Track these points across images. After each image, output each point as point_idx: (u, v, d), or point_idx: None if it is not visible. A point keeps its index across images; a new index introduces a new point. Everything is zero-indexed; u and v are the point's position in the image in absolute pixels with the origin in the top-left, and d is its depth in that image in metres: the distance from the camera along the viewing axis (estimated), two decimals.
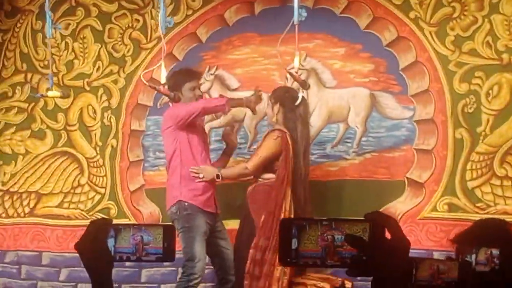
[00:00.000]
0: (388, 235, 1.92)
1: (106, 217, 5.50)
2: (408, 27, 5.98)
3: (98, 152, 6.83)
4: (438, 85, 5.87)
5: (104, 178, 6.80)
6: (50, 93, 5.74)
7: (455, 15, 5.87)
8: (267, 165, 5.47)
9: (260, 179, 5.54)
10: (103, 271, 2.17)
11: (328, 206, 5.95)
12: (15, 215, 7.01)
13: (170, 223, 5.41)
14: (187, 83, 5.66)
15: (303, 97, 5.49)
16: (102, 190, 6.80)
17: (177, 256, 2.22)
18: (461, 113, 5.80)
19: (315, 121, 6.05)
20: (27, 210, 6.98)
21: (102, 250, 2.16)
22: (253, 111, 5.71)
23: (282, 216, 5.22)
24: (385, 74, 6.01)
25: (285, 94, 5.54)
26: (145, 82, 5.62)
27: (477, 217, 5.46)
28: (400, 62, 5.98)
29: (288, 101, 5.49)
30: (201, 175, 5.59)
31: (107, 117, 6.83)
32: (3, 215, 7.05)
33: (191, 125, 5.64)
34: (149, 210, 6.60)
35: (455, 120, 5.80)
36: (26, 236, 6.91)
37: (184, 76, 5.75)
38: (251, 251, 5.29)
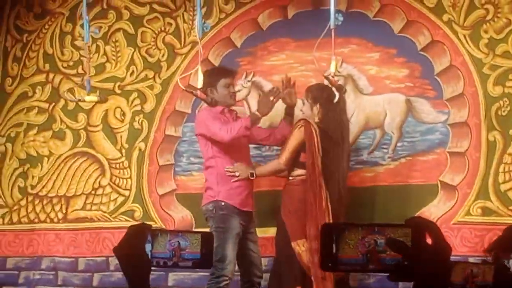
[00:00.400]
0: (429, 240, 2.04)
1: (145, 222, 6.10)
2: (442, 31, 6.57)
3: (124, 154, 7.43)
4: (472, 89, 6.44)
5: (129, 180, 7.39)
6: (87, 98, 6.21)
7: (488, 18, 6.45)
8: (296, 159, 6.06)
9: (290, 177, 6.17)
10: (141, 276, 2.28)
11: (363, 212, 6.49)
12: (48, 220, 7.61)
13: (208, 231, 5.95)
14: (222, 80, 6.19)
15: (340, 93, 6.07)
16: (126, 192, 7.39)
17: None
18: (494, 115, 6.36)
19: (352, 127, 6.57)
20: (60, 215, 7.57)
21: (140, 255, 2.30)
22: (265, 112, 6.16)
23: (317, 212, 5.85)
24: (420, 79, 6.60)
25: (323, 93, 6.12)
26: (182, 86, 6.16)
27: (511, 220, 6.07)
28: (435, 67, 6.57)
29: (327, 101, 6.08)
30: (237, 173, 6.18)
31: (138, 120, 7.42)
32: (36, 220, 7.65)
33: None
34: (181, 215, 7.19)
35: (488, 122, 6.35)
36: (62, 242, 7.51)
37: (219, 72, 6.33)
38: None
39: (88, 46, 7.37)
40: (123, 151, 7.43)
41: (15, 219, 7.69)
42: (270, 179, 6.59)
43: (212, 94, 6.17)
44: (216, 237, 5.89)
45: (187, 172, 7.21)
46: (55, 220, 7.56)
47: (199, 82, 5.71)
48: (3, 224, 7.72)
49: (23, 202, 7.71)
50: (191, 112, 7.16)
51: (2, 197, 7.80)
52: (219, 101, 6.22)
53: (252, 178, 6.19)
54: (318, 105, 6.05)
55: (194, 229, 6.85)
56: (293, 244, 6.00)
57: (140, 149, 7.37)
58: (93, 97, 6.26)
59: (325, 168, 5.97)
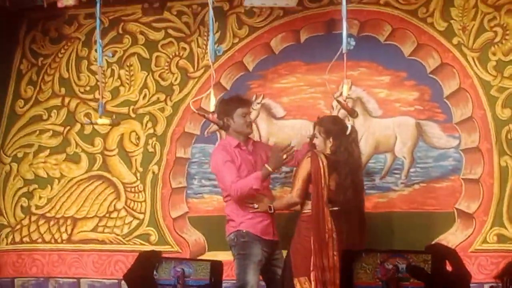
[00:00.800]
0: (449, 266, 2.08)
1: (156, 249, 6.15)
2: (451, 53, 6.70)
3: (139, 177, 7.57)
4: (481, 112, 6.54)
5: (143, 203, 7.51)
6: (99, 121, 6.35)
7: (496, 40, 6.58)
8: (307, 192, 6.14)
9: (302, 212, 6.23)
10: None
11: (379, 239, 6.49)
12: (53, 241, 7.73)
13: (218, 259, 6.06)
14: (239, 109, 6.35)
15: (352, 126, 6.16)
16: (141, 216, 7.51)
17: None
18: (505, 139, 6.45)
19: (362, 151, 6.59)
20: (65, 236, 7.69)
21: (150, 283, 2.38)
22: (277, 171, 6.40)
23: (321, 243, 5.92)
24: (430, 102, 6.70)
25: (335, 126, 6.18)
26: (194, 110, 6.23)
27: None
28: (444, 90, 6.68)
29: (339, 134, 6.11)
30: (255, 206, 6.30)
31: (152, 143, 7.56)
32: (39, 240, 7.77)
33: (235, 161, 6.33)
34: (194, 238, 7.30)
35: (499, 147, 6.43)
36: (64, 263, 7.63)
37: (236, 102, 6.44)
38: None
39: (103, 70, 7.60)
40: (138, 174, 7.58)
41: (17, 238, 7.80)
42: None
43: (228, 122, 6.31)
44: (238, 263, 6.23)
45: (198, 195, 7.33)
46: (59, 240, 7.70)
47: (211, 105, 5.77)
48: (7, 244, 7.86)
49: (25, 222, 7.80)
50: (200, 133, 7.34)
51: (5, 216, 7.92)
52: (235, 130, 6.37)
53: (271, 212, 6.31)
54: (331, 139, 6.12)
55: (207, 252, 7.13)
56: (295, 280, 6.09)
57: (153, 172, 7.52)
58: (106, 120, 6.39)
59: (337, 199, 6.03)
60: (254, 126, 7.04)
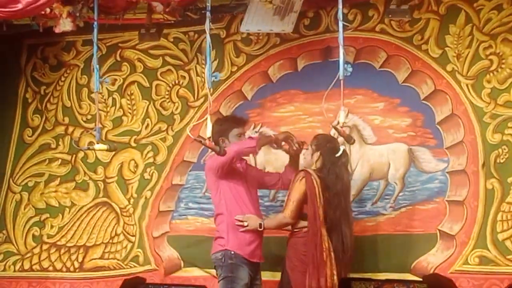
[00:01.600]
0: None
1: (139, 276, 6.29)
2: (445, 80, 6.78)
3: (131, 202, 7.75)
4: (471, 136, 6.61)
5: (134, 226, 7.70)
6: (97, 146, 6.36)
7: (492, 68, 6.65)
8: (300, 211, 6.22)
9: (295, 229, 6.32)
10: None
11: (364, 261, 6.62)
12: (64, 269, 7.88)
13: (202, 285, 6.37)
14: (234, 129, 6.49)
15: (344, 150, 6.26)
16: (133, 239, 7.71)
17: None
18: (493, 163, 6.49)
19: (357, 178, 6.82)
20: (76, 264, 7.86)
21: None
22: (282, 148, 6.49)
23: (319, 262, 5.97)
24: (422, 128, 6.78)
25: (327, 144, 6.31)
26: (191, 135, 6.36)
27: (508, 269, 6.18)
28: (436, 116, 6.76)
29: (329, 152, 6.25)
30: (245, 223, 6.38)
31: (149, 172, 7.75)
32: (50, 268, 7.92)
33: (232, 173, 6.44)
34: (167, 254, 7.45)
35: (487, 170, 6.49)
36: None
37: (231, 122, 6.60)
38: None
39: (104, 99, 7.89)
40: (132, 200, 7.77)
41: (26, 266, 7.97)
42: None
43: (223, 143, 6.39)
44: (224, 285, 6.31)
45: (182, 216, 7.51)
46: (71, 269, 7.86)
47: (208, 131, 5.81)
48: (15, 271, 8.00)
49: (36, 250, 8.00)
50: (197, 161, 7.49)
51: (15, 244, 8.09)
52: None
53: (260, 229, 6.39)
54: (318, 153, 6.26)
55: (182, 268, 7.28)
56: None
57: (146, 197, 7.71)
58: (103, 146, 6.42)
59: (327, 218, 6.13)
60: (250, 156, 7.14)
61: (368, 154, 6.78)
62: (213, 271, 6.61)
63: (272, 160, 7.14)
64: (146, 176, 7.69)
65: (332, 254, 6.03)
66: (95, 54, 6.25)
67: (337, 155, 6.19)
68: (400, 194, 6.70)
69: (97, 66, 6.30)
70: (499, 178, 6.41)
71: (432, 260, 6.48)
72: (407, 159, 6.72)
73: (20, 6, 6.12)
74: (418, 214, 6.63)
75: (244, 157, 6.72)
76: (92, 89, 7.73)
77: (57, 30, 6.65)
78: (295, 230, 6.26)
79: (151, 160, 7.70)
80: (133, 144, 7.79)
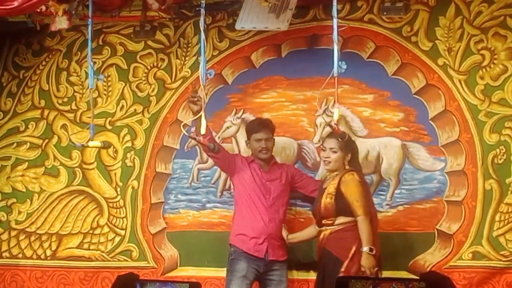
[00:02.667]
0: None
1: (133, 272, 5.80)
2: (437, 74, 6.18)
3: (119, 192, 7.05)
4: (468, 136, 6.06)
5: (125, 219, 7.01)
6: (91, 143, 5.90)
7: (484, 64, 6.06)
8: (341, 208, 5.63)
9: (335, 225, 5.69)
10: None
11: None
12: (35, 256, 7.22)
13: (196, 281, 5.98)
14: (254, 134, 6.09)
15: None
16: (122, 232, 7.00)
17: None
18: (491, 164, 5.97)
19: None
20: (49, 252, 7.18)
21: None
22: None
23: None
24: (415, 124, 6.20)
25: (348, 139, 5.72)
26: (185, 132, 5.82)
27: (500, 264, 5.79)
28: (429, 111, 6.17)
29: (352, 146, 5.80)
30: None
31: (130, 157, 7.05)
32: (20, 255, 7.27)
33: (242, 173, 6.10)
34: (169, 254, 6.80)
35: (485, 171, 5.97)
36: (51, 280, 7.12)
37: (254, 126, 6.17)
38: None
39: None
40: (118, 189, 7.08)
41: None
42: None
43: (248, 146, 6.21)
44: (226, 279, 6.03)
45: (174, 210, 6.87)
46: (43, 256, 7.21)
47: (202, 128, 5.31)
48: None
49: (4, 236, 7.35)
50: (180, 148, 6.88)
51: None
52: (251, 152, 6.20)
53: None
54: (350, 154, 5.80)
55: (178, 267, 6.72)
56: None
57: (133, 187, 7.03)
58: (97, 143, 6.02)
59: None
60: (233, 141, 6.66)
61: (359, 147, 6.11)
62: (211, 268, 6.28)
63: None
64: (128, 162, 7.02)
65: None
66: (90, 51, 5.80)
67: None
68: (397, 191, 6.18)
69: (92, 63, 5.87)
70: (497, 179, 5.90)
71: (429, 258, 6.02)
72: (401, 154, 6.17)
73: (15, 3, 5.82)
74: (416, 213, 6.11)
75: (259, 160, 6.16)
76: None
77: (53, 28, 6.33)
78: (336, 227, 5.66)
79: (129, 144, 7.05)
80: (109, 127, 7.13)
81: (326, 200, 5.66)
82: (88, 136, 6.87)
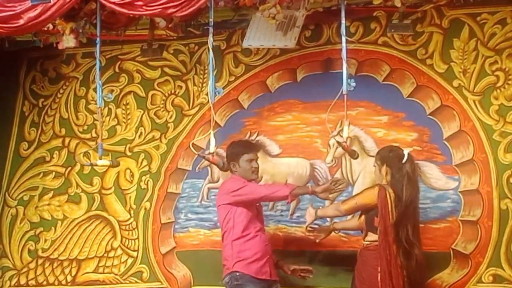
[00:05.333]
0: None
1: None
2: (452, 96, 6.17)
3: (132, 215, 7.11)
4: (482, 155, 6.02)
5: (136, 241, 7.04)
6: (99, 162, 5.94)
7: (498, 84, 6.06)
8: (370, 223, 5.58)
9: (365, 242, 5.65)
10: None
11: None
12: (56, 282, 7.23)
13: None
14: (245, 155, 5.93)
15: (409, 153, 5.64)
16: (135, 254, 7.04)
17: None
18: (506, 183, 5.92)
19: (359, 190, 6.15)
20: (69, 278, 7.20)
21: None
22: (323, 197, 5.86)
23: (391, 280, 5.41)
24: (429, 144, 6.18)
25: (390, 154, 5.66)
26: (194, 151, 5.85)
27: None
28: (444, 131, 6.16)
29: (395, 161, 5.61)
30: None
31: (145, 180, 7.11)
32: (44, 283, 7.28)
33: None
34: (182, 273, 6.76)
35: (500, 190, 5.91)
36: None
37: (242, 147, 6.04)
38: None
39: (101, 109, 7.18)
40: (132, 212, 7.12)
41: (22, 281, 7.36)
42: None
43: (234, 168, 5.94)
44: None
45: (184, 229, 6.88)
46: (64, 282, 7.22)
47: (211, 146, 5.41)
48: (10, 286, 7.35)
49: (32, 265, 7.38)
50: (192, 169, 6.90)
51: (11, 259, 7.46)
52: (241, 174, 5.96)
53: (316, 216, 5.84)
54: (385, 166, 5.63)
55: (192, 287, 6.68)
56: None
57: (145, 208, 7.07)
58: (106, 161, 6.02)
59: (399, 234, 5.49)
60: None
61: (371, 166, 6.03)
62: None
63: (269, 168, 6.58)
64: (143, 185, 7.07)
65: (404, 272, 5.41)
66: (98, 70, 5.87)
67: (403, 161, 5.56)
68: None
69: (100, 82, 5.89)
70: None
71: (446, 278, 5.96)
72: None
73: (21, 22, 5.83)
74: (430, 232, 6.02)
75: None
76: (90, 101, 7.44)
77: (60, 47, 6.24)
78: (366, 243, 5.62)
79: (146, 168, 7.09)
80: (128, 153, 7.20)
81: None
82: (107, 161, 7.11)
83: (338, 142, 5.51)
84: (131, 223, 7.07)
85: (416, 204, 5.58)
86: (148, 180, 7.06)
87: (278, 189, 5.85)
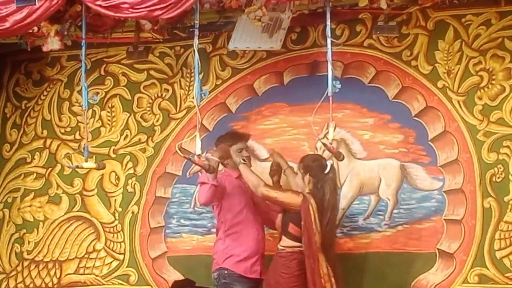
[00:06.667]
0: None
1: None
2: (437, 97, 6.47)
3: (117, 217, 7.33)
4: (466, 155, 6.32)
5: (123, 244, 7.28)
6: (85, 164, 6.13)
7: (482, 84, 6.37)
8: (284, 227, 5.84)
9: (279, 246, 5.89)
10: None
11: (361, 279, 6.38)
12: (43, 285, 7.48)
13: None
14: (234, 145, 6.14)
15: (331, 165, 5.90)
16: (121, 256, 7.27)
17: None
18: (489, 182, 6.22)
19: (347, 192, 6.51)
20: (55, 280, 7.45)
21: None
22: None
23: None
24: (414, 145, 6.48)
25: (314, 163, 5.94)
26: (180, 153, 6.02)
27: (507, 287, 5.94)
28: (429, 133, 6.46)
29: (318, 170, 5.88)
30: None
31: (131, 183, 7.35)
32: (31, 285, 7.53)
33: (229, 193, 6.13)
34: (174, 278, 6.92)
35: (483, 189, 6.21)
36: None
37: (231, 138, 6.25)
38: None
39: (80, 109, 7.46)
40: (116, 214, 7.35)
41: (12, 284, 7.61)
42: None
43: (226, 161, 6.13)
44: None
45: (177, 234, 7.11)
46: (50, 285, 7.47)
47: (197, 148, 5.62)
48: None
49: (19, 268, 7.62)
50: (182, 174, 7.13)
51: (0, 263, 7.70)
52: (232, 166, 6.18)
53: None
54: (308, 175, 5.90)
55: None
56: None
57: (133, 212, 7.30)
58: (91, 164, 6.25)
59: (324, 242, 5.75)
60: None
61: (358, 169, 6.48)
62: None
63: (259, 172, 6.53)
64: (129, 188, 7.31)
65: (333, 279, 5.65)
66: (83, 72, 6.08)
67: (326, 171, 5.83)
68: (395, 211, 6.43)
69: (86, 84, 6.08)
70: (496, 197, 6.17)
71: (432, 278, 6.25)
72: (399, 175, 6.45)
73: (7, 25, 5.98)
74: (415, 232, 6.34)
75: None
76: (73, 103, 7.66)
77: (45, 49, 6.44)
78: (280, 247, 5.87)
79: (131, 171, 7.34)
80: (112, 155, 7.44)
81: None
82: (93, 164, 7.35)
83: (323, 144, 5.74)
84: (116, 225, 7.29)
85: (336, 213, 5.88)
86: (134, 184, 7.29)
87: (202, 189, 6.00)
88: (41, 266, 7.51)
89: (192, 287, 4.57)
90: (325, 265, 5.65)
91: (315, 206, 5.73)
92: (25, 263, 7.57)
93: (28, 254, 7.58)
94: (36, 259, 7.54)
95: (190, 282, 5.52)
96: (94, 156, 7.22)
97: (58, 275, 7.43)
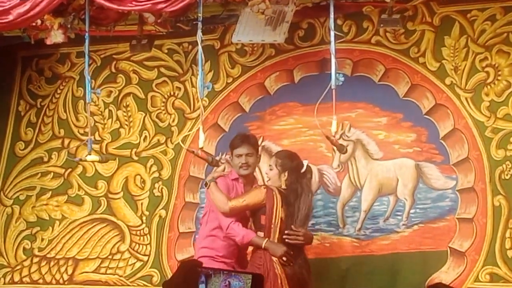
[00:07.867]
0: None
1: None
2: (445, 94, 6.88)
3: (144, 221, 7.78)
4: (476, 152, 6.74)
5: (148, 246, 7.74)
6: (89, 157, 6.45)
7: (489, 81, 6.75)
8: (255, 222, 6.26)
9: None
10: None
11: (380, 280, 6.85)
12: (54, 281, 7.99)
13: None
14: (235, 149, 6.52)
15: (308, 164, 6.35)
16: (145, 258, 7.74)
17: None
18: (498, 180, 6.63)
19: (367, 194, 6.96)
20: (65, 277, 7.95)
21: None
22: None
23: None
24: (427, 144, 6.90)
25: (292, 162, 6.31)
26: (183, 146, 6.51)
27: None
28: (440, 131, 6.88)
29: (295, 169, 6.28)
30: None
31: (158, 187, 7.77)
32: (40, 281, 8.03)
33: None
34: None
35: (493, 187, 6.63)
36: None
37: (235, 141, 6.59)
38: None
39: (98, 108, 7.92)
40: (144, 218, 7.78)
41: (16, 278, 8.07)
42: None
43: (231, 161, 6.54)
44: None
45: None
46: (61, 281, 7.96)
47: (200, 141, 5.95)
48: (4, 283, 8.07)
49: (26, 263, 8.08)
50: (205, 177, 7.38)
51: (5, 257, 8.17)
52: (233, 168, 6.54)
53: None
54: (286, 173, 6.28)
55: None
56: None
57: (160, 216, 7.73)
58: (95, 157, 6.52)
59: (285, 228, 6.17)
60: (256, 169, 7.01)
61: (376, 170, 6.88)
62: None
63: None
64: (156, 192, 7.71)
65: (283, 274, 6.03)
66: (87, 65, 6.37)
67: (302, 170, 6.24)
68: (412, 211, 6.81)
69: (89, 77, 6.38)
70: (505, 194, 6.53)
71: (444, 277, 6.60)
72: (414, 175, 6.83)
73: (10, 17, 6.20)
74: (429, 231, 6.74)
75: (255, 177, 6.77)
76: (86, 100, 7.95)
77: (48, 42, 6.67)
78: None
79: (156, 175, 7.73)
80: (135, 158, 7.83)
81: None
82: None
83: (326, 136, 6.08)
84: (143, 229, 7.74)
85: (309, 214, 6.29)
86: (162, 188, 7.70)
87: (241, 235, 6.27)
88: (52, 263, 7.95)
89: (199, 267, 4.90)
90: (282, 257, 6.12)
91: (279, 197, 6.16)
92: (35, 260, 8.01)
93: (39, 251, 8.02)
94: (48, 256, 7.98)
95: (197, 262, 5.88)
96: (117, 158, 7.68)
97: (69, 272, 7.87)
